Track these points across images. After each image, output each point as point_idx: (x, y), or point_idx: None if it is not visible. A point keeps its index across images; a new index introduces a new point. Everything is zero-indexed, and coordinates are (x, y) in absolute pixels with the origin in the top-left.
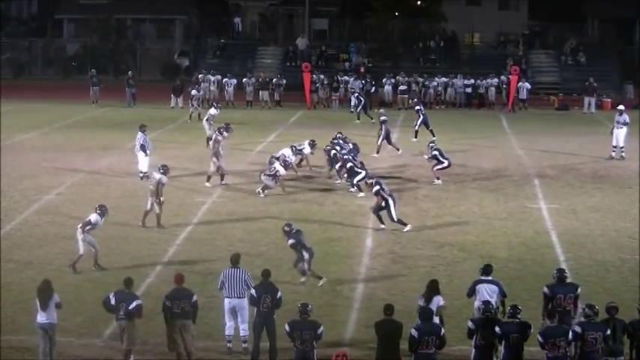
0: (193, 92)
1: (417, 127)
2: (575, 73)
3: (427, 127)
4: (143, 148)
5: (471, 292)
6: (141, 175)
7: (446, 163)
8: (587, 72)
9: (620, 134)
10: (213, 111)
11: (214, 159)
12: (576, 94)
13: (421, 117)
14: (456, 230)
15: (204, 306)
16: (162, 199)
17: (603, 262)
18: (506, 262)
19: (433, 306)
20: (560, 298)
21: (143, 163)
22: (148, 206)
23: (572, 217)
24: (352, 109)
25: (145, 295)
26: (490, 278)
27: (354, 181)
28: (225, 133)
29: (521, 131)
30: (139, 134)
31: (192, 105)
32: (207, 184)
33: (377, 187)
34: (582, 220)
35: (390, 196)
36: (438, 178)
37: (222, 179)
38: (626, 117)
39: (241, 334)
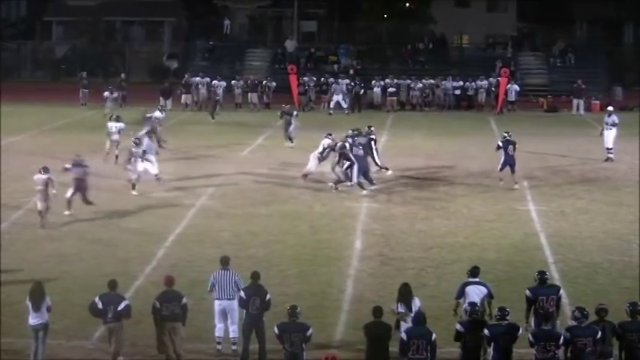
0: (106, 94)
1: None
2: (563, 75)
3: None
4: (144, 153)
5: (460, 295)
6: (157, 178)
7: (502, 159)
8: (576, 74)
9: (609, 135)
10: (158, 114)
11: (130, 167)
12: (565, 95)
13: (293, 124)
14: (444, 232)
15: (193, 308)
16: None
17: (592, 264)
18: (495, 263)
19: (414, 309)
20: (543, 300)
21: (150, 167)
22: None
23: (561, 219)
24: (347, 111)
25: (133, 298)
26: (478, 280)
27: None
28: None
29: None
30: (145, 140)
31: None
32: (134, 192)
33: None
34: (571, 221)
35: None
36: (503, 180)
37: (133, 188)
38: (614, 118)
39: (231, 336)
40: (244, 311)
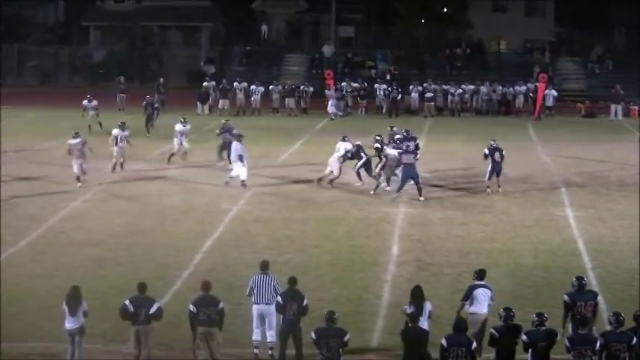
0: (85, 102)
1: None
2: (601, 80)
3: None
4: (241, 158)
5: (467, 296)
6: (242, 184)
7: (490, 167)
8: (614, 79)
9: None
10: (179, 127)
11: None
12: (603, 101)
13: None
14: (482, 237)
15: (230, 313)
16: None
17: (630, 270)
18: (532, 269)
19: (425, 313)
20: (581, 305)
21: (242, 171)
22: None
23: (599, 225)
24: (332, 117)
25: (171, 302)
26: (484, 283)
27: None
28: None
29: (547, 138)
30: (236, 144)
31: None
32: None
33: None
34: (609, 227)
35: None
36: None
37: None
38: None
39: (268, 341)
40: (281, 316)
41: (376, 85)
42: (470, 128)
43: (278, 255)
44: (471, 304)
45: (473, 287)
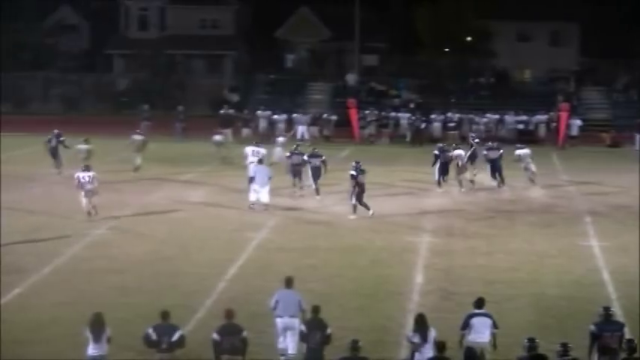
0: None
1: None
2: (626, 110)
3: None
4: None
5: (465, 326)
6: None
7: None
8: (639, 109)
9: None
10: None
11: None
12: (628, 131)
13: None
14: (506, 267)
15: (253, 342)
16: None
17: None
18: (557, 299)
19: (430, 340)
20: (607, 336)
21: (265, 195)
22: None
23: (624, 255)
24: (308, 142)
25: (194, 331)
26: (483, 311)
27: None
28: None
29: (572, 168)
30: (262, 167)
31: None
32: None
33: None
34: (634, 258)
35: None
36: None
37: None
38: None
39: (289, 351)
40: (305, 345)
41: (400, 114)
42: None
43: (301, 284)
44: (469, 333)
45: (470, 316)
